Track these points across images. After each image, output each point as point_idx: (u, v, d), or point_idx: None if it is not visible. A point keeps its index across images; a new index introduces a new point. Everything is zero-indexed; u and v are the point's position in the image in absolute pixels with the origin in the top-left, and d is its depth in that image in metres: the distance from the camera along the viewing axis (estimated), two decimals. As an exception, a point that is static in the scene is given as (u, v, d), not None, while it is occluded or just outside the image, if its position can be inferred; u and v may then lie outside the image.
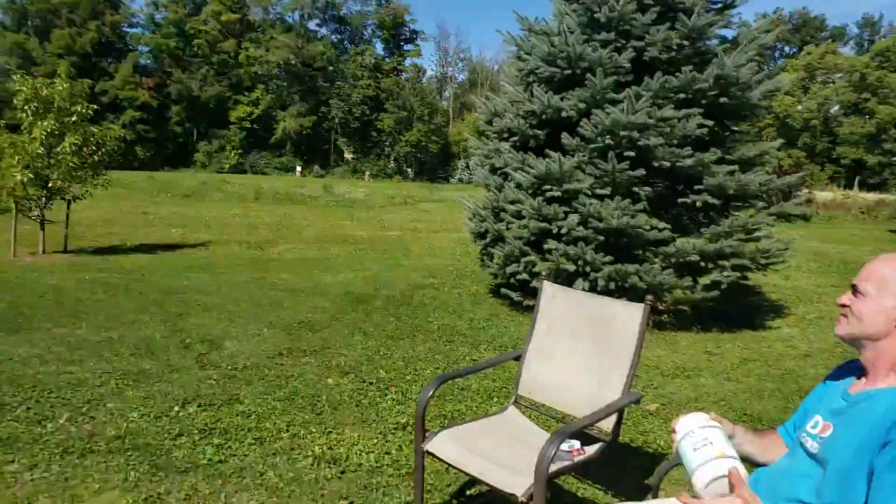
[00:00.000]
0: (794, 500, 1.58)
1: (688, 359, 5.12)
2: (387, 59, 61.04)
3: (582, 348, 2.65)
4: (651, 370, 4.77)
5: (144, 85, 52.67)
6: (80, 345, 4.76)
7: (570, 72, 5.53)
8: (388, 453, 3.26)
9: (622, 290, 5.28)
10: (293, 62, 55.89)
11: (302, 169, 50.37)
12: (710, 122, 5.43)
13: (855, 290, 1.62)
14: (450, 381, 4.30)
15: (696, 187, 5.51)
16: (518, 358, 2.87)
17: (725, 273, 5.49)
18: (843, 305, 1.64)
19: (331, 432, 3.48)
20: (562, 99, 5.51)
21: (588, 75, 5.33)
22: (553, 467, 2.30)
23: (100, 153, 10.07)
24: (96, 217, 14.70)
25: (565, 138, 5.42)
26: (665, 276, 5.27)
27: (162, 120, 53.88)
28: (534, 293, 5.92)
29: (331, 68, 56.73)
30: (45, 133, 9.32)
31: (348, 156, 56.99)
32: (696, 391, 4.41)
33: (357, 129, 56.11)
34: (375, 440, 3.40)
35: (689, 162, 5.29)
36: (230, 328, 5.34)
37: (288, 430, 3.48)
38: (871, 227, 22.64)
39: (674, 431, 1.70)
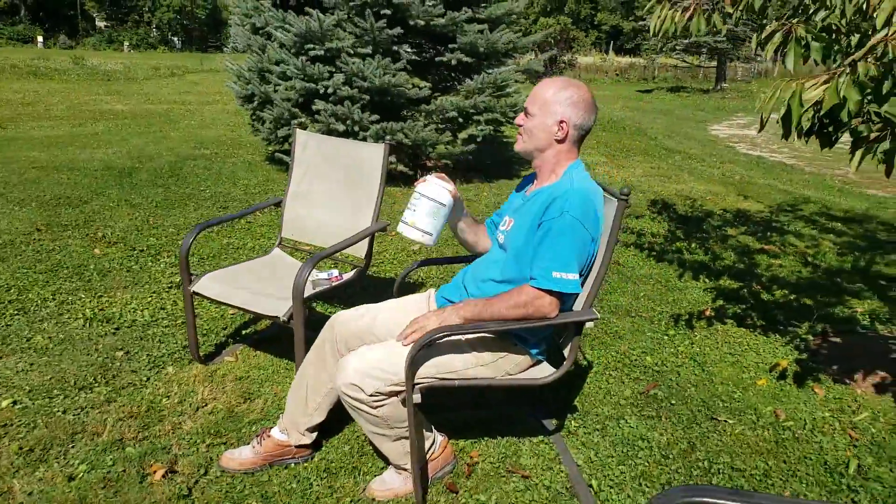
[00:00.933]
0: (486, 279, 2.07)
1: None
2: None
3: (335, 188, 2.96)
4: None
5: None
6: None
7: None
8: (162, 308, 3.41)
9: (390, 148, 5.64)
10: None
11: (44, 40, 43.29)
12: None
13: (526, 111, 2.05)
14: (215, 234, 4.47)
15: (450, 46, 5.90)
16: (279, 204, 3.11)
17: (480, 127, 6.07)
18: (519, 125, 2.07)
19: (101, 296, 3.53)
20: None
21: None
22: (310, 291, 2.66)
23: None
24: None
25: (323, -5, 5.44)
26: (427, 133, 5.71)
27: None
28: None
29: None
30: None
31: (100, 23, 49.82)
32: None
33: (109, -8, 48.89)
34: (149, 299, 3.51)
35: (442, 21, 5.62)
36: (-27, 211, 4.90)
37: (54, 299, 3.46)
38: (623, 88, 25.40)
39: (415, 186, 2.07)
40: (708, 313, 3.57)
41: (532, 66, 6.78)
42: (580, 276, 1.94)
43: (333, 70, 5.50)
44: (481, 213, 5.54)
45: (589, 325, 2.00)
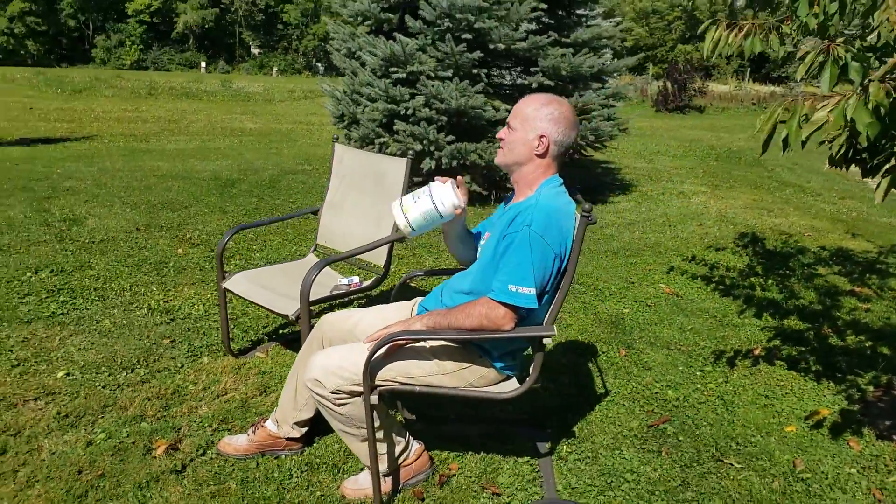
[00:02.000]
0: (458, 291, 2.11)
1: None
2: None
3: (363, 199, 3.11)
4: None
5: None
6: (-65, 227, 4.89)
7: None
8: (217, 305, 3.69)
9: (463, 167, 5.77)
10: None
11: (206, 65, 47.87)
12: (544, 6, 5.79)
13: (508, 125, 2.07)
14: (279, 237, 4.76)
15: (531, 69, 5.94)
16: (317, 212, 3.31)
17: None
18: (501, 139, 2.10)
19: (170, 290, 3.88)
20: (406, -18, 5.73)
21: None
22: (325, 294, 2.81)
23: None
24: (-29, 112, 13.92)
25: (409, 21, 5.67)
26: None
27: (53, 11, 49.40)
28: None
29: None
30: None
31: (255, 50, 54.30)
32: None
33: (262, 22, 53.24)
34: (209, 295, 3.82)
35: (524, 45, 5.68)
36: (94, 209, 5.55)
37: (130, 289, 3.86)
38: (755, 118, 24.01)
39: (434, 179, 2.09)
40: (757, 352, 3.34)
41: (620, 91, 6.64)
42: (545, 291, 1.93)
43: (415, 92, 5.71)
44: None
45: (547, 341, 1.97)
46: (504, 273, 1.88)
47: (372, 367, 1.95)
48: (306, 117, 15.43)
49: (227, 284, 2.91)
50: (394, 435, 2.16)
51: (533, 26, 5.86)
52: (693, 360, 3.23)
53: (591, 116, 6.18)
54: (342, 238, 3.16)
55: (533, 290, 1.86)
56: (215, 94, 20.30)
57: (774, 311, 3.96)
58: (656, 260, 4.93)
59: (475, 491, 2.22)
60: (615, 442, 2.51)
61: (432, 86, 5.52)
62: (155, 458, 2.33)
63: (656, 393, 2.89)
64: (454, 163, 5.67)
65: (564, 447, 2.47)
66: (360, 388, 1.96)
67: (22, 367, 2.89)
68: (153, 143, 9.89)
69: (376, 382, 1.98)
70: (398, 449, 2.18)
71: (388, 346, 1.96)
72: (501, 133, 2.08)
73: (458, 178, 2.12)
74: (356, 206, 3.13)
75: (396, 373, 2.00)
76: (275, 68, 48.92)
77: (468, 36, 5.50)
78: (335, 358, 2.01)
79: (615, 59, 6.42)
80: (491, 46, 5.63)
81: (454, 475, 2.30)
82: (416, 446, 2.25)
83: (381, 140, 5.94)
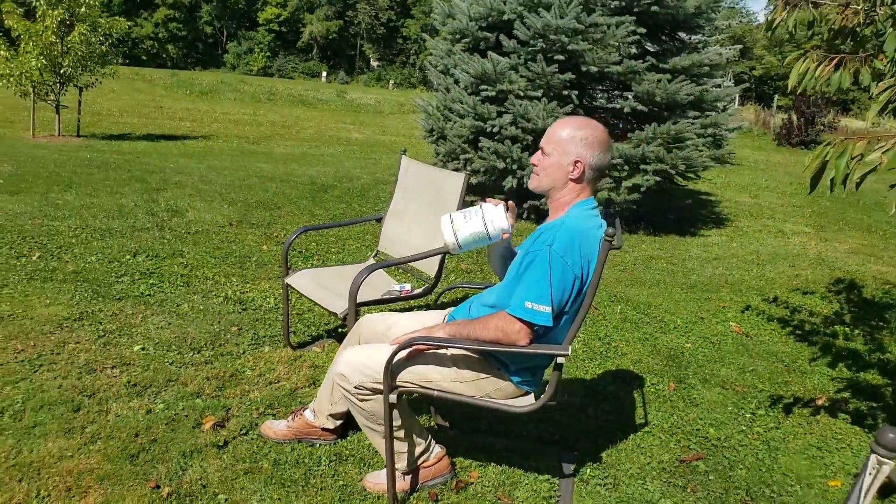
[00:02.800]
0: (484, 304, 2.18)
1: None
2: (419, -37, 59.12)
3: (422, 210, 3.23)
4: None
5: (174, -20, 52.11)
6: (65, 206, 5.49)
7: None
8: (288, 300, 3.93)
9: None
10: (321, -39, 54.57)
11: (327, 75, 50.19)
12: (643, 30, 5.74)
13: (542, 150, 2.12)
14: (358, 241, 4.96)
15: (625, 94, 5.89)
16: (380, 220, 3.47)
17: (646, 177, 5.94)
18: (534, 164, 2.14)
19: (248, 283, 4.17)
20: (504, 2, 5.83)
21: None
22: (372, 297, 2.95)
23: (107, 43, 10.58)
24: (115, 107, 15.38)
25: (504, 40, 5.79)
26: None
27: (193, 18, 53.60)
28: (472, 189, 6.46)
29: (360, -31, 55.35)
30: (56, 22, 9.83)
31: (374, 63, 56.38)
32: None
33: (383, 36, 55.24)
34: (281, 291, 4.06)
35: (618, 69, 5.65)
36: (196, 202, 6.02)
37: (213, 279, 4.18)
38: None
39: (486, 201, 2.15)
40: (820, 402, 3.16)
41: (720, 121, 6.44)
42: (563, 311, 1.96)
43: (502, 110, 5.81)
44: (626, 267, 5.42)
45: (561, 360, 1.99)
46: (522, 289, 1.93)
47: (393, 368, 2.05)
48: (410, 130, 15.88)
49: (289, 280, 3.11)
50: (414, 436, 2.24)
51: (633, 50, 5.82)
52: (746, 401, 3.11)
53: (685, 145, 6.03)
54: (400, 246, 3.29)
55: (549, 309, 1.89)
56: (329, 104, 21.29)
57: (853, 362, 3.73)
58: (733, 298, 4.74)
59: (489, 500, 2.26)
60: (641, 472, 2.47)
61: (520, 105, 5.60)
62: (202, 431, 2.53)
63: (697, 429, 2.81)
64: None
65: (588, 470, 2.46)
66: (382, 387, 2.07)
67: (106, 339, 3.21)
68: (263, 146, 10.53)
69: (397, 383, 2.07)
70: (418, 450, 2.26)
71: (410, 349, 2.05)
72: (535, 158, 2.12)
73: (510, 202, 2.19)
74: (415, 217, 3.25)
75: (416, 376, 2.09)
76: (391, 81, 50.55)
77: (560, 57, 5.54)
78: (361, 355, 2.13)
79: (721, 87, 6.23)
80: (583, 69, 5.64)
81: (472, 483, 2.35)
82: (437, 450, 2.32)
83: (466, 156, 6.07)
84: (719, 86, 6.61)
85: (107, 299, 3.68)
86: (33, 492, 2.11)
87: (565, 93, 5.79)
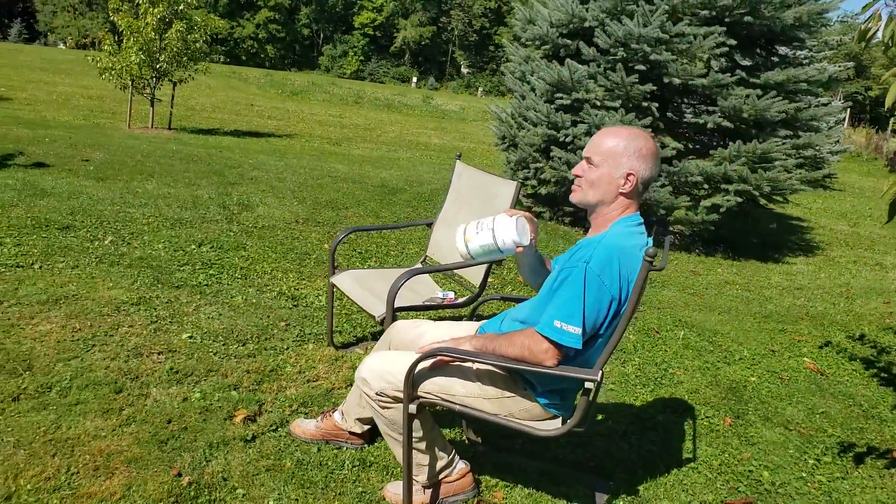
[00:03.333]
0: (515, 319, 2.07)
1: (665, 273, 5.40)
2: (515, -29, 59.15)
3: (472, 217, 3.11)
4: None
5: (277, -16, 54.37)
6: (143, 195, 5.74)
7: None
8: (339, 299, 3.93)
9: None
10: (419, -32, 55.53)
11: (417, 80, 50.94)
12: (733, 42, 5.44)
13: (589, 160, 1.98)
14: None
15: (710, 108, 5.60)
16: (430, 224, 3.40)
17: (727, 197, 5.62)
18: (578, 176, 2.01)
19: (303, 279, 4.20)
20: (586, 9, 5.67)
21: (608, -16, 5.48)
22: (414, 302, 2.89)
23: (201, 41, 11.07)
24: (209, 103, 16.11)
25: (583, 48, 5.63)
26: (660, 193, 5.50)
27: (292, 21, 55.75)
28: (543, 200, 6.31)
29: (456, -24, 55.96)
30: (156, 19, 10.37)
31: (464, 70, 56.78)
32: (645, 296, 4.75)
33: (475, 43, 55.57)
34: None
35: (703, 82, 5.38)
36: (267, 198, 6.17)
37: (270, 273, 4.23)
38: None
39: (502, 213, 2.05)
40: (898, 454, 2.86)
41: (816, 142, 6.02)
42: (598, 332, 1.83)
43: (577, 119, 5.64)
44: (697, 290, 5.13)
45: (589, 385, 1.84)
46: (553, 307, 1.81)
47: (416, 378, 1.97)
48: (490, 137, 15.81)
49: (334, 279, 3.10)
50: (437, 449, 2.16)
51: (723, 62, 5.53)
52: (811, 446, 2.84)
53: (772, 165, 5.67)
54: (448, 252, 3.21)
55: (579, 330, 1.77)
56: (414, 109, 21.54)
57: (942, 412, 3.36)
58: (813, 332, 4.40)
59: (510, 525, 2.15)
60: (680, 513, 2.29)
61: (596, 115, 5.43)
62: (233, 424, 2.53)
63: (750, 471, 2.58)
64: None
65: (622, 503, 2.30)
66: (402, 395, 1.99)
67: (158, 325, 3.30)
68: (343, 148, 10.73)
69: (418, 393, 2.00)
70: (440, 464, 2.17)
71: (434, 360, 1.97)
72: (578, 169, 1.98)
73: (528, 215, 2.07)
74: (465, 223, 3.16)
75: (439, 388, 2.00)
76: (480, 88, 50.76)
77: (642, 67, 5.33)
78: (385, 362, 2.06)
79: (819, 106, 5.84)
80: (666, 80, 5.40)
81: (496, 503, 2.24)
82: (461, 465, 2.22)
83: (537, 165, 5.94)
84: (820, 104, 6.18)
85: (165, 286, 3.79)
86: (64, 468, 2.16)
87: (645, 104, 5.56)
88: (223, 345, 3.18)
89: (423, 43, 54.99)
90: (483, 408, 1.99)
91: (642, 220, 1.94)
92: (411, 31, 54.56)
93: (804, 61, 7.76)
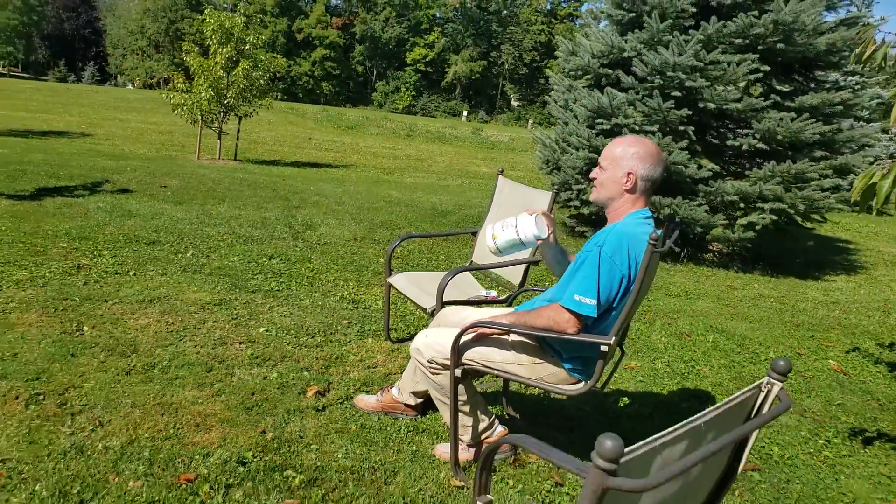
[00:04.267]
0: (544, 299, 2.46)
1: (702, 287, 5.66)
2: (563, 5, 60.12)
3: (514, 225, 3.54)
4: (654, 290, 5.40)
5: (334, 24, 56.66)
6: (217, 216, 6.34)
7: (633, 14, 6.08)
8: (394, 303, 4.36)
9: (656, 221, 5.89)
10: (469, 5, 56.95)
11: (468, 114, 51.96)
12: (766, 68, 5.74)
13: (600, 166, 2.39)
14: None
15: (744, 131, 5.89)
16: (475, 233, 3.82)
17: (762, 216, 5.86)
18: (593, 178, 2.41)
19: (362, 287, 4.66)
20: (625, 40, 6.07)
21: (645, 17, 5.86)
22: (459, 298, 3.29)
23: (265, 78, 11.91)
24: (270, 137, 17.04)
25: (622, 76, 6.01)
26: (698, 212, 5.79)
27: (347, 58, 57.84)
28: (585, 220, 6.66)
29: (505, 13, 57.12)
30: (224, 58, 11.25)
31: (515, 103, 57.61)
32: (680, 305, 5.02)
33: (525, 76, 56.44)
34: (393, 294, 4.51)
35: (738, 106, 5.69)
36: (328, 219, 6.70)
37: (333, 281, 4.71)
38: None
39: (525, 212, 2.45)
40: (908, 440, 3.08)
41: (850, 162, 6.21)
42: (612, 305, 2.20)
43: (616, 144, 6.00)
44: (732, 303, 5.37)
45: (604, 348, 2.20)
46: (574, 285, 2.19)
47: (461, 348, 2.37)
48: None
49: (390, 279, 3.53)
50: (479, 412, 2.54)
51: (759, 87, 5.84)
52: (823, 429, 3.10)
53: (806, 185, 5.89)
54: (491, 256, 3.60)
55: (594, 302, 2.14)
56: (464, 140, 22.16)
57: (962, 409, 3.54)
58: (842, 339, 4.60)
59: (542, 478, 2.50)
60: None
61: (632, 139, 5.78)
62: (306, 397, 2.97)
63: (761, 446, 2.87)
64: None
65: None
66: (449, 362, 2.39)
67: (237, 321, 3.79)
68: (395, 176, 11.30)
69: (463, 360, 2.39)
70: (482, 425, 2.55)
71: (475, 332, 2.37)
72: (594, 173, 2.39)
73: (545, 212, 2.48)
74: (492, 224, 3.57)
75: (480, 356, 2.39)
76: (530, 120, 51.38)
77: (678, 93, 5.68)
78: (435, 335, 2.47)
79: (854, 128, 6.06)
80: (701, 105, 5.74)
81: (530, 463, 2.60)
82: (500, 428, 2.60)
83: (579, 186, 6.31)
84: (860, 126, 6.38)
85: (242, 291, 4.30)
86: (171, 423, 2.63)
87: (681, 128, 5.89)
88: (295, 337, 3.64)
89: (473, 77, 56.25)
90: (518, 372, 2.37)
91: (651, 215, 2.32)
92: (462, 66, 55.92)
93: (855, 86, 7.97)
